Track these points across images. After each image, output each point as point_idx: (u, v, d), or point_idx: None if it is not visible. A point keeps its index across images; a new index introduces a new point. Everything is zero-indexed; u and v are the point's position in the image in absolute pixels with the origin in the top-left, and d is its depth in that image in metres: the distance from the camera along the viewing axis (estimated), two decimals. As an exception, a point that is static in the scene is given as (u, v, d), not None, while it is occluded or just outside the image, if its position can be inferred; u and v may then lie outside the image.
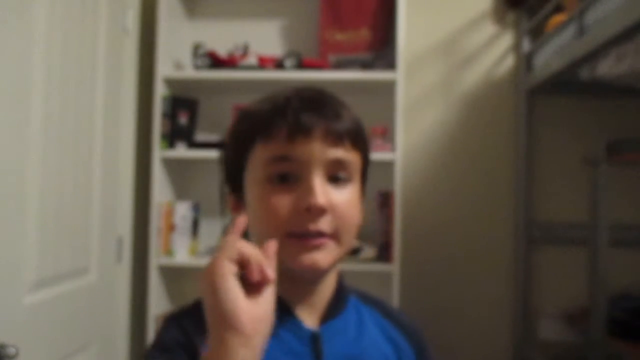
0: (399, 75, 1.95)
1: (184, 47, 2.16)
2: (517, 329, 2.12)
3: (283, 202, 0.66)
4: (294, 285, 0.70)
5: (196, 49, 2.09)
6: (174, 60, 2.12)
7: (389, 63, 2.01)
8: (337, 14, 2.11)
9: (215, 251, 0.61)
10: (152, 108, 2.02)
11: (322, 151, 0.67)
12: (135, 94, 1.92)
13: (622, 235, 1.96)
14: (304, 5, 2.23)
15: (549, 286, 2.15)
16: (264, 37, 2.23)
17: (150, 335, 1.97)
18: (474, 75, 2.22)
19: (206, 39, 2.17)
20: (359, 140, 0.71)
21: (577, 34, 1.58)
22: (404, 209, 2.08)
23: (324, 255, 0.67)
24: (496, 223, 2.19)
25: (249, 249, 0.57)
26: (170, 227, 2.03)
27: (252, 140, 0.70)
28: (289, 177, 0.67)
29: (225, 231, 2.05)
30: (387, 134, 2.01)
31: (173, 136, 2.06)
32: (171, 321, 0.72)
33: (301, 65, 2.02)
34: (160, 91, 2.01)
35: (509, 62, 2.21)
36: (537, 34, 2.06)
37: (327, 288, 0.73)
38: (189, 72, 2.09)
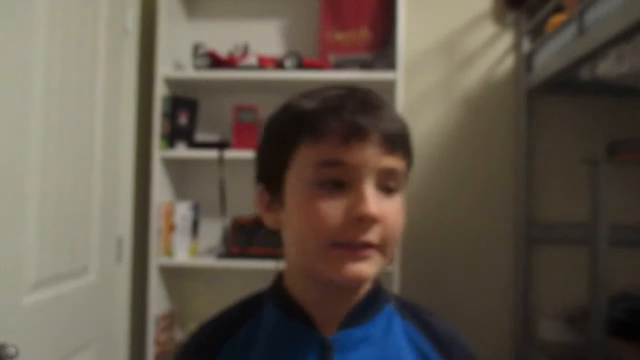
0: (399, 75, 1.95)
1: (184, 47, 2.16)
2: (517, 329, 2.12)
3: (332, 209, 0.62)
4: (328, 293, 0.68)
5: (196, 49, 2.09)
6: (174, 60, 2.12)
7: (389, 63, 2.01)
8: (337, 14, 2.11)
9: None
10: (152, 108, 2.02)
11: (377, 158, 0.63)
12: (135, 94, 1.92)
13: (622, 235, 1.95)
14: (304, 5, 2.23)
15: (549, 286, 2.15)
16: (264, 37, 2.23)
17: (151, 335, 1.97)
18: (474, 75, 2.22)
19: (206, 39, 2.17)
20: (409, 147, 0.67)
21: (577, 34, 1.58)
22: (404, 209, 2.07)
23: (369, 267, 0.63)
24: (496, 223, 2.19)
25: None
26: (170, 227, 2.03)
27: (300, 138, 0.64)
28: (339, 183, 0.63)
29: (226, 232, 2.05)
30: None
31: (173, 136, 2.06)
32: (183, 354, 0.73)
33: (301, 65, 2.02)
34: (160, 91, 2.01)
35: (509, 62, 2.21)
36: (537, 34, 2.06)
37: (357, 296, 0.69)
38: (189, 72, 2.09)
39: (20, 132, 1.30)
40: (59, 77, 1.45)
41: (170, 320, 2.10)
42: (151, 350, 1.97)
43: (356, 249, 0.62)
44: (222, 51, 2.11)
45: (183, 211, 2.05)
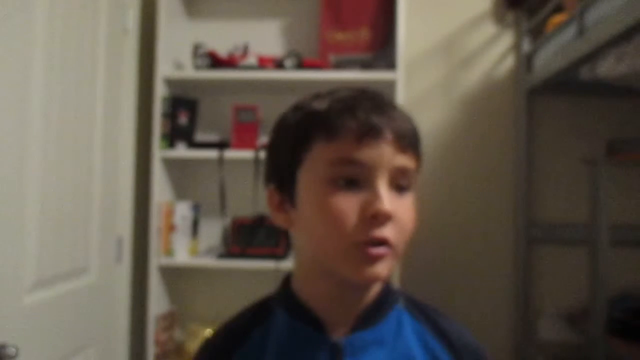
0: (399, 75, 1.94)
1: (184, 47, 2.16)
2: (517, 329, 2.12)
3: (348, 207, 0.62)
4: (341, 294, 0.68)
5: (196, 49, 2.09)
6: (174, 60, 2.12)
7: (389, 63, 2.01)
8: (337, 14, 2.11)
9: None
10: (152, 108, 2.02)
11: (390, 157, 0.64)
12: (135, 94, 1.92)
13: (622, 235, 1.96)
14: (304, 5, 2.23)
15: (549, 286, 2.15)
16: (264, 37, 2.23)
17: (151, 335, 1.97)
18: (474, 75, 2.22)
19: (206, 39, 2.17)
20: (419, 146, 0.68)
21: (577, 34, 1.58)
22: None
23: (384, 267, 0.63)
24: (496, 223, 2.19)
25: None
26: (170, 227, 2.03)
27: (314, 137, 0.65)
28: (354, 181, 0.63)
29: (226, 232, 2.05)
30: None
31: (173, 136, 2.06)
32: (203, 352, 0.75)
33: (301, 65, 2.02)
34: (160, 91, 2.01)
35: (509, 62, 2.21)
36: (537, 34, 2.06)
37: (367, 297, 0.69)
38: (189, 72, 2.09)
39: (20, 132, 1.30)
40: (59, 77, 1.45)
41: (170, 320, 2.10)
42: (151, 350, 1.97)
43: (372, 248, 0.63)
44: (222, 51, 2.11)
45: (183, 211, 2.05)
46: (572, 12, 1.64)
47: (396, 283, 1.90)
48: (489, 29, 2.22)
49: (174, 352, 2.10)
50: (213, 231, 2.21)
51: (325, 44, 2.11)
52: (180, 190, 2.22)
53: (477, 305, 2.14)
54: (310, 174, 0.65)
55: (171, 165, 2.10)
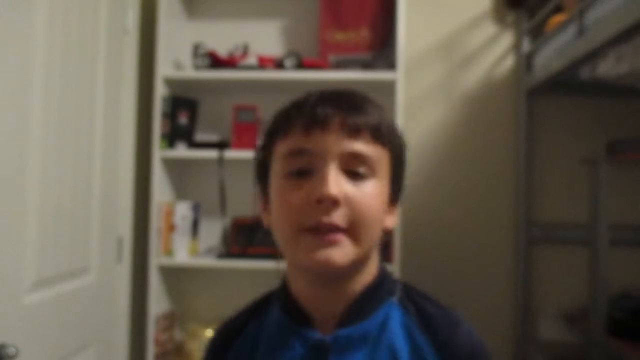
0: (399, 75, 1.94)
1: (184, 47, 2.16)
2: (517, 329, 2.12)
3: (297, 196, 0.65)
4: (316, 287, 0.69)
5: (196, 49, 2.09)
6: (174, 60, 2.12)
7: (389, 63, 2.01)
8: (337, 14, 2.11)
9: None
10: (152, 108, 2.02)
11: (337, 143, 0.65)
12: (135, 94, 1.92)
13: (622, 235, 1.96)
14: (304, 5, 2.23)
15: (549, 286, 2.15)
16: (264, 37, 2.23)
17: (151, 335, 1.97)
18: (474, 75, 2.22)
19: (206, 39, 2.17)
20: (382, 134, 0.68)
21: (577, 34, 1.58)
22: (404, 208, 2.08)
23: (339, 253, 0.64)
24: (496, 223, 2.19)
25: None
26: (170, 227, 2.03)
27: (273, 136, 0.70)
28: (305, 171, 0.66)
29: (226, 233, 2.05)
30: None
31: (173, 136, 2.06)
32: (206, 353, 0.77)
33: (301, 65, 2.02)
34: (160, 91, 2.01)
35: (509, 62, 2.21)
36: (537, 34, 2.06)
37: (352, 292, 0.69)
38: (189, 72, 2.09)
39: (20, 132, 1.30)
40: (59, 77, 1.45)
41: (170, 320, 2.10)
42: (151, 350, 1.97)
43: (324, 233, 0.63)
44: (222, 51, 2.11)
45: (183, 211, 2.05)
46: (572, 12, 1.64)
47: (396, 283, 1.90)
48: (489, 29, 2.22)
49: (174, 352, 2.10)
50: (213, 231, 2.21)
51: (325, 44, 2.11)
52: (180, 190, 2.22)
53: (477, 305, 2.14)
54: (273, 171, 0.70)
55: (171, 165, 2.10)
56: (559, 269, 2.14)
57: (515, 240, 2.16)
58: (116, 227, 1.81)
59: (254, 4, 2.26)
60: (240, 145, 2.04)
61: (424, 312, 0.71)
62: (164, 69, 2.02)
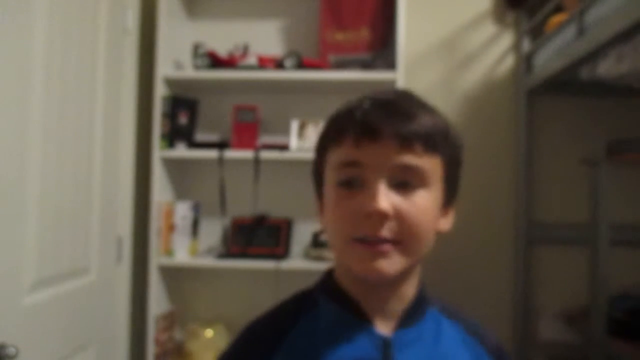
0: (399, 75, 1.94)
1: (184, 47, 2.16)
2: (517, 329, 2.12)
3: (348, 207, 0.66)
4: (368, 290, 0.70)
5: (196, 49, 2.09)
6: (174, 60, 2.12)
7: (389, 63, 2.01)
8: (337, 14, 2.11)
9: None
10: (152, 108, 2.02)
11: (388, 155, 0.65)
12: (135, 94, 1.92)
13: (622, 235, 1.96)
14: (304, 5, 2.23)
15: (549, 286, 2.15)
16: (264, 37, 2.23)
17: (151, 335, 1.97)
18: (474, 75, 2.22)
19: (206, 39, 2.17)
20: (435, 143, 0.68)
21: (577, 34, 1.58)
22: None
23: (388, 263, 0.65)
24: (496, 223, 2.19)
25: None
26: (170, 227, 2.03)
27: (326, 143, 0.70)
28: (356, 182, 0.66)
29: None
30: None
31: (173, 136, 2.06)
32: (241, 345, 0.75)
33: (301, 65, 2.02)
34: (160, 91, 2.01)
35: (509, 62, 2.21)
36: (537, 34, 2.06)
37: (404, 295, 0.72)
38: (189, 72, 2.09)
39: (20, 132, 1.30)
40: (59, 77, 1.45)
41: (170, 320, 2.10)
42: (151, 350, 1.97)
43: (373, 244, 0.65)
44: (222, 51, 2.11)
45: (183, 211, 2.05)
46: (572, 12, 1.64)
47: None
48: (489, 29, 2.22)
49: (174, 352, 2.10)
50: (213, 231, 2.20)
51: (325, 44, 2.11)
52: (180, 190, 2.22)
53: (477, 305, 2.13)
54: (327, 179, 0.70)
55: (171, 165, 2.10)
56: (559, 269, 2.14)
57: (515, 240, 2.16)
58: (116, 227, 1.81)
59: (254, 4, 2.26)
60: (240, 145, 2.04)
61: (465, 322, 0.77)
62: (164, 69, 2.02)
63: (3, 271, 1.23)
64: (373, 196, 0.64)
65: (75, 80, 1.54)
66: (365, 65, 2.05)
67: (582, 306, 1.97)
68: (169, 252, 2.03)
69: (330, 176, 0.69)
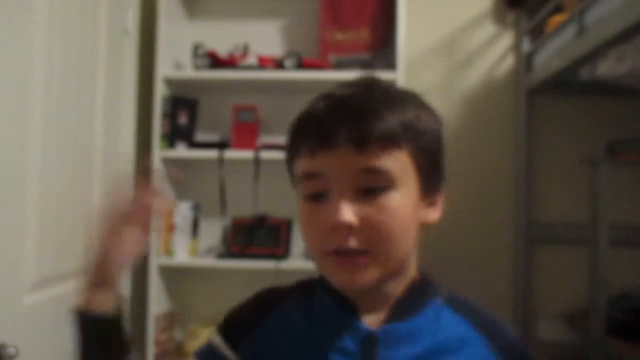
0: (399, 75, 1.94)
1: (184, 47, 2.16)
2: (517, 329, 2.12)
3: (315, 221, 0.64)
4: (354, 290, 0.68)
5: (196, 49, 2.09)
6: (174, 60, 2.12)
7: (389, 63, 2.01)
8: (337, 14, 2.11)
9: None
10: (152, 108, 2.02)
11: (346, 163, 0.61)
12: (135, 94, 1.92)
13: (622, 235, 1.95)
14: (304, 5, 2.22)
15: (549, 286, 2.15)
16: (264, 37, 2.23)
17: (151, 335, 1.97)
18: (474, 75, 2.22)
19: (206, 39, 2.17)
20: (398, 136, 0.62)
21: (577, 34, 1.58)
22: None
23: (365, 275, 0.63)
24: (496, 223, 2.19)
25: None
26: (170, 227, 2.03)
27: (291, 155, 0.68)
28: (320, 194, 0.64)
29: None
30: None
31: (173, 136, 2.06)
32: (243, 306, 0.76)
33: (301, 65, 2.02)
34: (160, 91, 2.01)
35: (509, 62, 2.21)
36: (537, 34, 2.06)
37: (391, 293, 0.69)
38: (189, 72, 2.09)
39: (20, 132, 1.30)
40: (59, 77, 1.45)
41: (170, 320, 2.10)
42: (151, 350, 1.97)
43: (347, 258, 0.63)
44: (222, 51, 2.11)
45: (183, 211, 2.05)
46: (572, 12, 1.64)
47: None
48: (489, 29, 2.22)
49: (174, 352, 2.10)
50: (213, 231, 2.20)
51: (325, 44, 2.11)
52: (180, 190, 2.22)
53: (477, 305, 2.14)
54: (297, 191, 0.68)
55: (171, 165, 2.10)
56: (559, 269, 2.14)
57: (515, 240, 2.16)
58: (116, 227, 1.81)
59: (254, 4, 2.26)
60: (240, 145, 2.04)
61: (475, 312, 0.73)
62: (164, 69, 2.02)
63: (3, 271, 1.23)
64: (336, 209, 0.61)
65: (75, 80, 1.54)
66: (365, 65, 2.05)
67: (582, 306, 1.97)
68: (169, 252, 2.03)
69: (299, 189, 0.67)
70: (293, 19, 2.25)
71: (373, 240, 0.62)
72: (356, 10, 2.10)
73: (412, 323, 0.68)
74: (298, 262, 1.97)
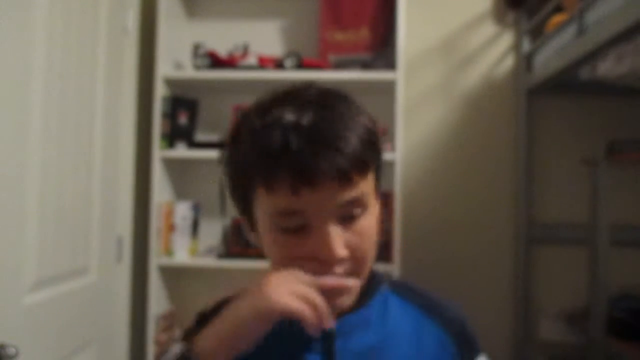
0: (399, 75, 1.95)
1: (184, 47, 2.16)
2: (517, 329, 2.12)
3: (299, 251, 0.63)
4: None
5: (196, 49, 2.09)
6: (174, 60, 2.12)
7: (389, 63, 2.01)
8: (337, 14, 2.11)
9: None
10: (152, 108, 2.02)
11: (331, 199, 0.61)
12: (135, 94, 1.92)
13: (622, 235, 1.96)
14: (304, 5, 2.23)
15: (549, 286, 2.15)
16: (264, 37, 2.23)
17: (151, 335, 1.97)
18: (474, 75, 2.22)
19: (206, 39, 2.17)
20: (368, 162, 0.63)
21: (577, 34, 1.58)
22: (404, 209, 2.08)
23: (345, 298, 0.65)
24: (496, 223, 2.19)
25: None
26: (170, 227, 2.03)
27: (256, 183, 0.64)
28: (302, 227, 0.63)
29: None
30: (387, 134, 2.01)
31: (173, 136, 2.06)
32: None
33: (301, 65, 2.02)
34: (160, 91, 2.01)
35: (509, 62, 2.21)
36: (537, 34, 2.06)
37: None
38: (189, 72, 2.09)
39: (20, 132, 1.30)
40: (59, 77, 1.45)
41: (170, 320, 2.10)
42: (151, 350, 1.97)
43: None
44: (222, 51, 2.11)
45: (183, 211, 2.05)
46: (572, 12, 1.64)
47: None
48: (489, 29, 2.22)
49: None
50: (213, 231, 2.21)
51: (325, 44, 2.11)
52: (180, 190, 2.22)
53: (477, 305, 2.14)
54: (260, 217, 0.66)
55: (171, 165, 2.10)
56: (559, 269, 2.14)
57: (515, 240, 2.16)
58: (116, 227, 1.81)
59: (254, 4, 2.26)
60: (240, 145, 2.03)
61: (422, 296, 0.75)
62: (164, 69, 2.02)
63: (3, 271, 1.23)
64: (327, 243, 0.61)
65: (76, 80, 1.54)
66: (365, 65, 2.05)
67: (582, 306, 1.97)
68: (169, 252, 2.03)
69: (265, 220, 0.64)
70: (293, 19, 2.25)
71: (357, 267, 0.65)
72: (356, 10, 2.10)
73: (362, 313, 0.70)
74: (298, 262, 1.97)
